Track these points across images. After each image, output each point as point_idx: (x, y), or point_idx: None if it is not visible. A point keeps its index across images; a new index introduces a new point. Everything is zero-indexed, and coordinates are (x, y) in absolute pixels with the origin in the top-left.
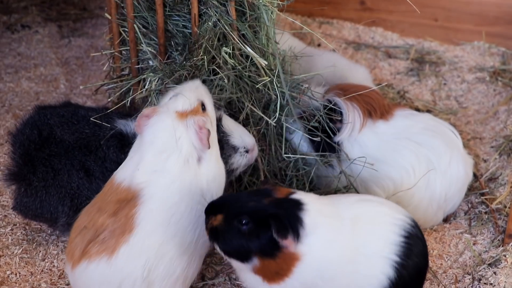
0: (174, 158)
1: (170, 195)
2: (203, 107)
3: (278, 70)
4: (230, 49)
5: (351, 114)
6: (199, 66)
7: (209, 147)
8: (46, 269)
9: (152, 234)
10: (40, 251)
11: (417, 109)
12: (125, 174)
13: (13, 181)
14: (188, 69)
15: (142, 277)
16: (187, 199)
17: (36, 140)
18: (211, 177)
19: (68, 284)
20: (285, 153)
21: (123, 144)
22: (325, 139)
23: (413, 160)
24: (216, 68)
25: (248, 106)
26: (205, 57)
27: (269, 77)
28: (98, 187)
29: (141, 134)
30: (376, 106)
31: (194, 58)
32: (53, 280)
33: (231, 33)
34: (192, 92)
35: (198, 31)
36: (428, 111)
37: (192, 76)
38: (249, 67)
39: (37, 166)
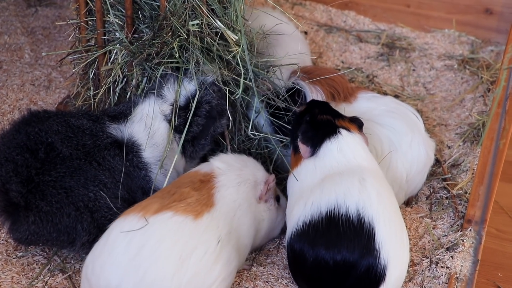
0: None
1: (237, 192)
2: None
3: (243, 45)
4: (198, 21)
5: (314, 97)
6: (168, 43)
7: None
8: (2, 240)
9: (225, 217)
10: None
11: (385, 94)
12: (203, 165)
13: (13, 213)
14: (157, 47)
15: (215, 248)
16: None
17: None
18: (267, 216)
19: (20, 257)
20: (250, 131)
21: (127, 151)
22: (284, 124)
23: (375, 141)
24: (184, 45)
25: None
26: (174, 34)
27: (239, 48)
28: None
29: None
30: (340, 89)
31: (165, 35)
32: (8, 252)
33: (200, 5)
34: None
35: (167, 4)
36: (396, 96)
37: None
38: (218, 42)
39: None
